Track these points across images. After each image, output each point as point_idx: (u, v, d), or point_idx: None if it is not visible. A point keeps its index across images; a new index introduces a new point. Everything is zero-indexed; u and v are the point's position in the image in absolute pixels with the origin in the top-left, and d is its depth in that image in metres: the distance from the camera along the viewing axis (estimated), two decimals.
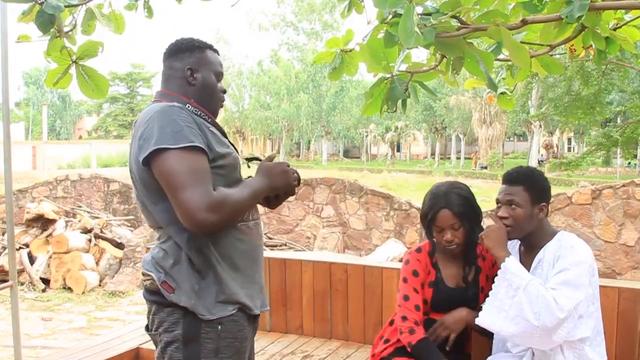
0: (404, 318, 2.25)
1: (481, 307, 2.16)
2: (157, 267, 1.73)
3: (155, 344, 1.81)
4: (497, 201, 2.19)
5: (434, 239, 2.31)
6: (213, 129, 1.78)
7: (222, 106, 1.93)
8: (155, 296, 1.74)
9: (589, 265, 2.05)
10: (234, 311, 1.73)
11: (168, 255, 1.72)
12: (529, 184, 2.14)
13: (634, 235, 7.14)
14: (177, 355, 1.71)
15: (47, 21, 1.69)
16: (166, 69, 1.87)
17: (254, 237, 1.82)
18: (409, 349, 2.22)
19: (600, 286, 2.81)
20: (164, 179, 1.63)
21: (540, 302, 1.96)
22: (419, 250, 2.37)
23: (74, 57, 1.89)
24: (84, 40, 1.91)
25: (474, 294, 2.31)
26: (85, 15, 1.95)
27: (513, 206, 2.12)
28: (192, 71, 1.83)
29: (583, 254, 2.06)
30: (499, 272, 2.10)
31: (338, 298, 3.43)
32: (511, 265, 2.06)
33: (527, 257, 2.20)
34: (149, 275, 1.75)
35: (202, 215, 1.59)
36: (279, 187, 1.81)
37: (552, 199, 7.50)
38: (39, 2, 1.68)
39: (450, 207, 2.22)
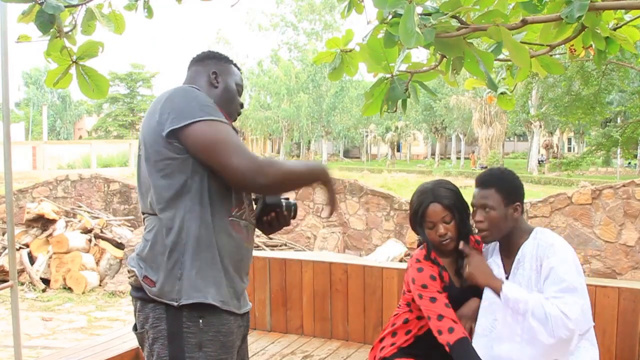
0: (440, 317, 2.16)
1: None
2: (139, 263, 1.75)
3: (142, 342, 1.80)
4: (472, 205, 2.21)
5: (428, 238, 2.27)
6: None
7: (237, 118, 2.02)
8: (139, 292, 1.76)
9: (572, 260, 2.07)
10: (213, 302, 1.72)
11: (148, 242, 1.73)
12: (500, 186, 2.15)
13: (634, 235, 7.14)
14: (163, 352, 1.71)
15: (47, 21, 1.69)
16: (191, 72, 1.95)
17: (243, 237, 1.82)
18: (447, 349, 2.14)
19: (600, 286, 2.83)
20: (207, 146, 1.69)
21: (550, 320, 1.98)
22: (426, 257, 2.29)
23: (74, 57, 1.89)
24: (84, 40, 1.91)
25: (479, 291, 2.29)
26: (85, 15, 1.95)
27: (487, 209, 2.13)
28: (217, 74, 1.92)
29: (564, 251, 2.07)
30: (499, 300, 2.10)
31: (338, 298, 3.43)
32: (509, 291, 2.07)
33: (507, 259, 2.21)
34: (132, 271, 1.77)
35: (251, 177, 1.69)
36: (330, 178, 1.98)
37: (552, 199, 7.52)
38: (39, 2, 1.68)
39: (439, 200, 2.21)
